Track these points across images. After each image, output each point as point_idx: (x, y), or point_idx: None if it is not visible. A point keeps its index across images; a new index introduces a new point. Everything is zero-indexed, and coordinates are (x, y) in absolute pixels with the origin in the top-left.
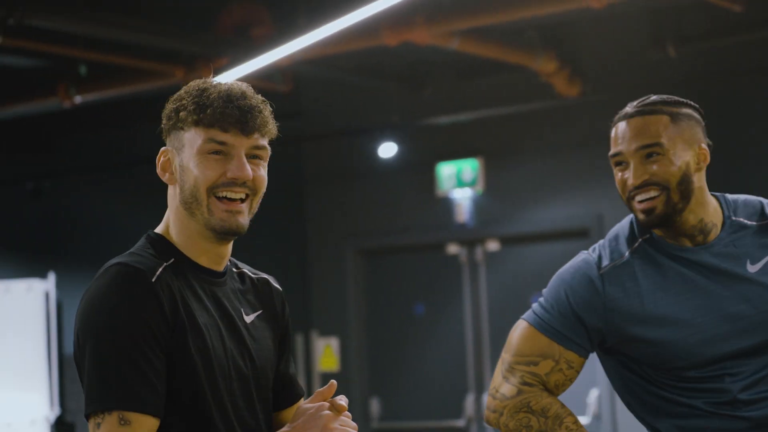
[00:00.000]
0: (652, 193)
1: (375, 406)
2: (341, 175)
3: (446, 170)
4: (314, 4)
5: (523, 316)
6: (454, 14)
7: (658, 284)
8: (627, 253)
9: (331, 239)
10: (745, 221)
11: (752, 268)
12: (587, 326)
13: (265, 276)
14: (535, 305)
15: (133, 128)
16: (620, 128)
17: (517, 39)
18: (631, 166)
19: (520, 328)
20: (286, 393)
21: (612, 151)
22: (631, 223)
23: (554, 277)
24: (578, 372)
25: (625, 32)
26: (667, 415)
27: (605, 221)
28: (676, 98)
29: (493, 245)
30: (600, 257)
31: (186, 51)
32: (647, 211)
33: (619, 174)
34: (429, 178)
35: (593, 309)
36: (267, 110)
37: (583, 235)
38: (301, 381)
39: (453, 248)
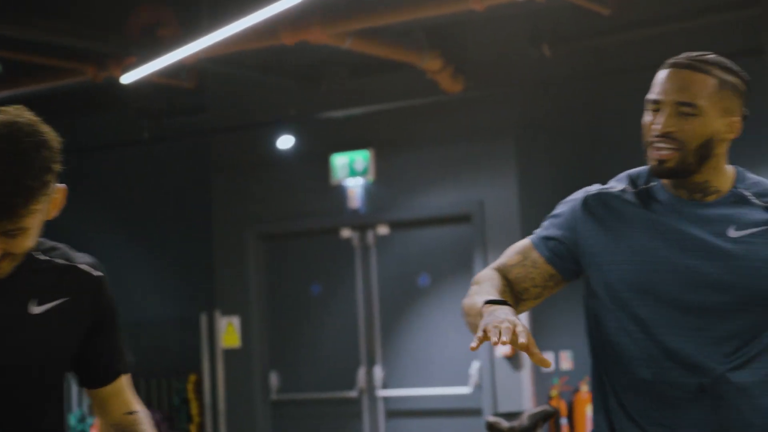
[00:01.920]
0: (671, 146)
1: (274, 379)
2: (243, 165)
3: (339, 160)
4: (217, 6)
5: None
6: (348, 16)
7: (635, 218)
8: (621, 187)
9: (234, 225)
10: (751, 197)
11: (733, 233)
12: (563, 240)
13: (75, 263)
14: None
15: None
16: (666, 74)
17: (405, 39)
18: (664, 114)
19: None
20: (102, 370)
21: (651, 96)
22: (646, 172)
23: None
24: (542, 276)
25: (505, 33)
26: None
27: (486, 207)
28: (730, 64)
29: (383, 230)
30: (604, 187)
31: (96, 50)
32: (660, 161)
33: (649, 117)
34: (324, 168)
35: (569, 226)
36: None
37: (465, 220)
38: (205, 357)
39: (346, 233)
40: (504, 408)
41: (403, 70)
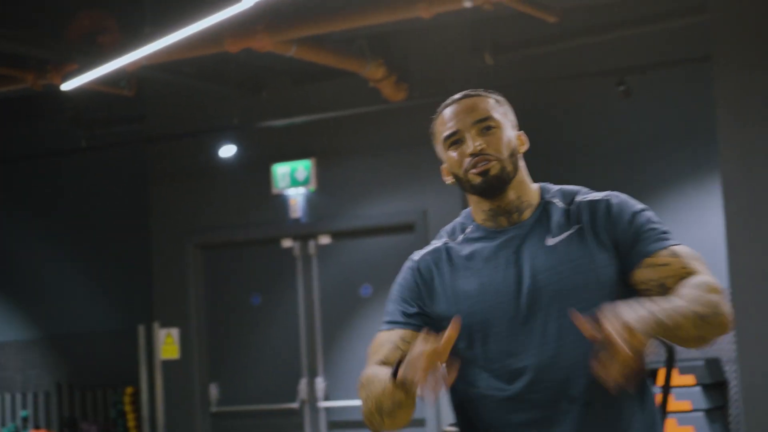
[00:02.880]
0: (487, 159)
1: (214, 391)
2: (184, 174)
3: (281, 170)
4: (160, 13)
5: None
6: (293, 23)
7: (464, 265)
8: (443, 241)
9: (173, 234)
10: (557, 202)
11: (550, 241)
12: (415, 309)
13: None
14: None
15: None
16: (450, 111)
17: (348, 47)
18: (468, 139)
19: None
20: None
21: (447, 132)
22: (461, 219)
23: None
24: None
25: (448, 42)
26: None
27: (429, 216)
28: (487, 90)
29: (324, 239)
30: (422, 250)
31: (37, 56)
32: (484, 173)
33: (455, 152)
34: (265, 177)
35: (413, 297)
36: None
37: (408, 230)
38: (143, 369)
39: (287, 242)
40: (449, 419)
41: (345, 78)
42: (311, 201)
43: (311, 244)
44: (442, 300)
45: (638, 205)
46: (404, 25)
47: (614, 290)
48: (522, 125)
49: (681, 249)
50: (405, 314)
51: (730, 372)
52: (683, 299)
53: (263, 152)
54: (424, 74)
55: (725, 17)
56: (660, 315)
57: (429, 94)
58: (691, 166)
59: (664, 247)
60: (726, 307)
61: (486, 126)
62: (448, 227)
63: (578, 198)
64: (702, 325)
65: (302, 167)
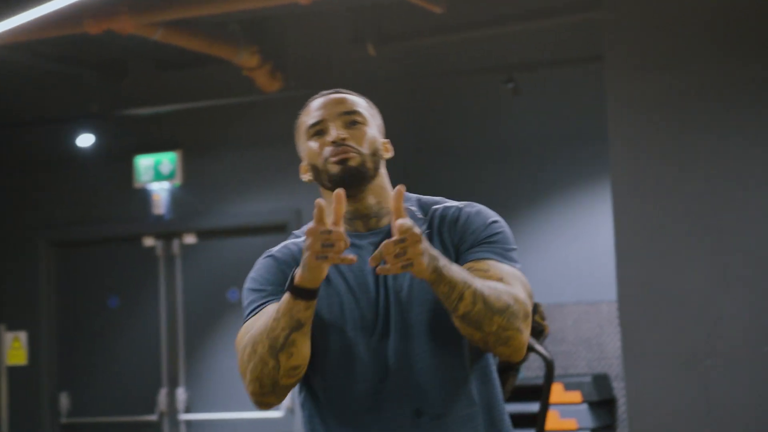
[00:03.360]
0: (349, 150)
1: (65, 401)
2: (35, 165)
3: (144, 162)
4: None
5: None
6: (159, 5)
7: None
8: (300, 240)
9: (23, 230)
10: (415, 211)
11: None
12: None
13: None
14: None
15: None
16: (318, 102)
17: (220, 32)
18: (332, 128)
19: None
20: None
21: (311, 120)
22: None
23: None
24: None
25: (328, 30)
26: None
27: (303, 216)
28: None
29: (190, 239)
30: (283, 249)
31: None
32: (342, 161)
33: (317, 143)
34: (126, 170)
35: (279, 276)
36: None
37: (280, 230)
38: None
39: (149, 241)
40: None
41: (216, 65)
42: (176, 197)
43: (175, 243)
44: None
45: (492, 217)
46: (281, 11)
47: None
48: (405, 120)
49: (510, 269)
50: (275, 289)
51: (619, 389)
52: (479, 280)
53: (125, 143)
54: (301, 64)
55: (618, 15)
56: (450, 266)
57: (306, 85)
58: (582, 170)
59: (491, 258)
60: (519, 321)
61: (352, 120)
62: (302, 228)
63: (435, 207)
64: (482, 310)
65: (167, 160)
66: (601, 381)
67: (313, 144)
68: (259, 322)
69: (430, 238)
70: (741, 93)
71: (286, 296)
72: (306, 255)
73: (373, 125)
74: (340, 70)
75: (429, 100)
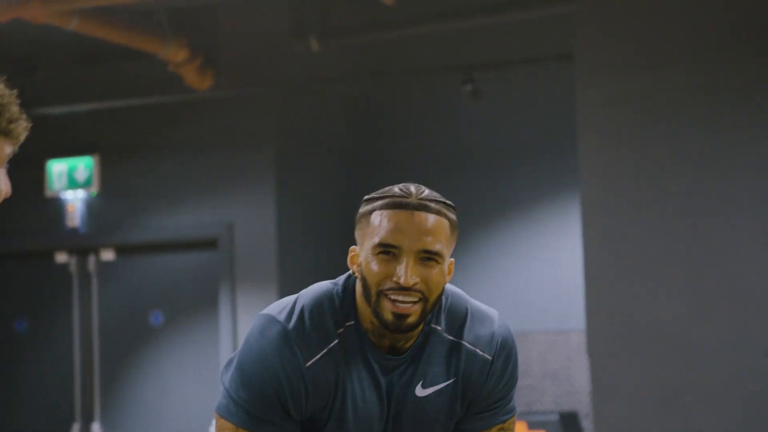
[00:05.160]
0: (414, 299)
1: None
2: None
3: (57, 168)
4: None
5: (217, 408)
6: None
7: (348, 386)
8: (335, 337)
9: None
10: (441, 332)
11: (421, 392)
12: (290, 416)
13: None
14: (234, 389)
15: None
16: (398, 217)
17: (145, 23)
18: (405, 263)
19: (221, 428)
20: None
21: (383, 241)
22: (338, 293)
23: (248, 350)
24: None
25: (266, 21)
26: None
27: (236, 231)
28: (446, 199)
29: (108, 254)
30: (303, 338)
31: None
32: (401, 316)
33: (381, 265)
34: (37, 177)
35: (299, 403)
36: None
37: (211, 246)
38: None
39: (62, 257)
40: None
41: (140, 60)
42: (93, 207)
43: (91, 259)
44: (328, 419)
45: (516, 373)
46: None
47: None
48: (350, 124)
49: (508, 426)
50: (280, 425)
51: (588, 428)
52: None
53: (35, 146)
54: (235, 59)
55: (590, 8)
56: None
57: (241, 83)
58: (550, 182)
59: (493, 425)
60: None
61: (429, 258)
62: (327, 303)
63: (464, 335)
64: None
65: (83, 165)
66: (569, 420)
67: (378, 267)
68: None
69: (454, 389)
70: (727, 95)
71: None
72: None
73: (447, 257)
74: (279, 66)
75: (378, 103)
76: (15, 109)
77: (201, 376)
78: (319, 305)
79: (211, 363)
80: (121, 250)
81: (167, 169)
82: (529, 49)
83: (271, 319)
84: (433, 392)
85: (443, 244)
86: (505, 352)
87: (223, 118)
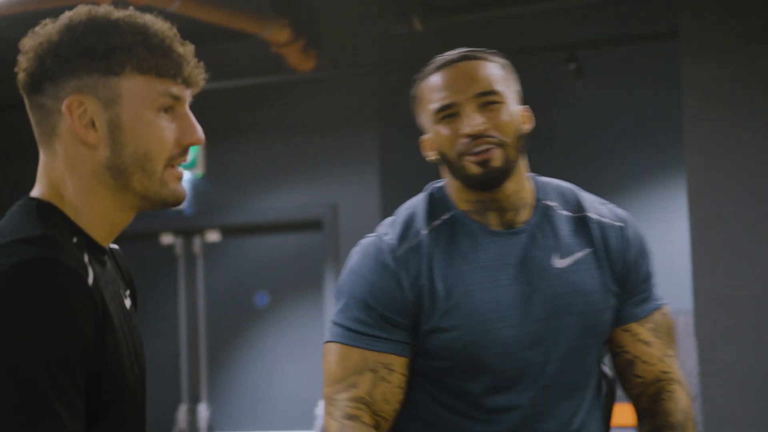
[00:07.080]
0: (489, 145)
1: None
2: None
3: None
4: None
5: (327, 337)
6: None
7: (456, 269)
8: (425, 232)
9: None
10: (559, 209)
11: (559, 263)
12: (395, 322)
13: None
14: (334, 315)
15: None
16: (444, 76)
17: (246, 4)
18: (467, 114)
19: (327, 353)
20: None
21: (439, 103)
22: (431, 198)
23: (346, 272)
24: (404, 375)
25: (367, 3)
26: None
27: (340, 212)
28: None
29: (212, 236)
30: (395, 238)
31: None
32: (483, 163)
33: (447, 128)
34: None
35: (395, 301)
36: None
37: (314, 227)
38: None
39: (167, 238)
40: None
41: (241, 41)
42: (198, 189)
43: (196, 241)
44: (434, 312)
45: (647, 244)
46: None
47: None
48: None
49: (663, 320)
50: (385, 330)
51: (696, 410)
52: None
53: None
54: (337, 40)
55: None
56: None
57: (343, 64)
58: (655, 162)
59: (651, 312)
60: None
61: (490, 100)
62: (421, 208)
63: (585, 208)
64: None
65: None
66: None
67: (444, 130)
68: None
69: (596, 260)
70: None
71: None
72: None
73: (512, 98)
74: (380, 47)
75: None
76: (184, 49)
77: (305, 357)
78: (406, 210)
79: (316, 344)
80: (226, 232)
81: (271, 150)
82: (631, 26)
83: (362, 240)
84: (573, 262)
85: (499, 83)
86: (632, 223)
87: (325, 99)
